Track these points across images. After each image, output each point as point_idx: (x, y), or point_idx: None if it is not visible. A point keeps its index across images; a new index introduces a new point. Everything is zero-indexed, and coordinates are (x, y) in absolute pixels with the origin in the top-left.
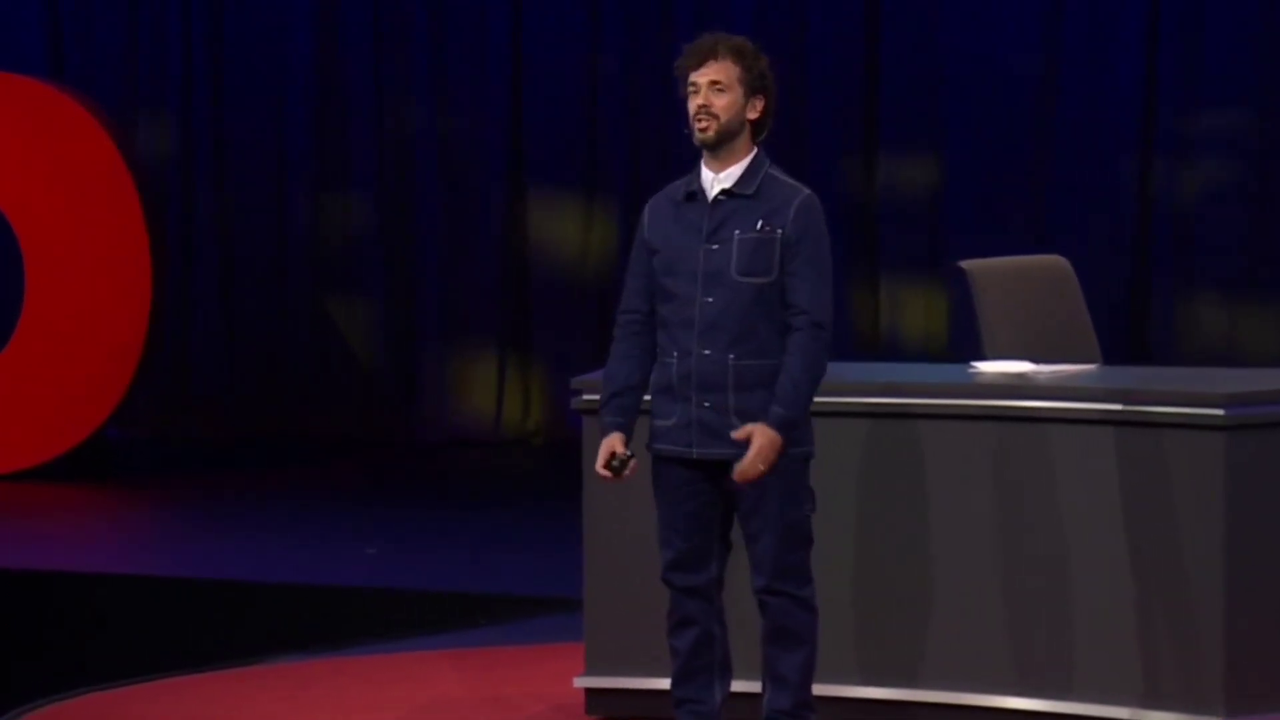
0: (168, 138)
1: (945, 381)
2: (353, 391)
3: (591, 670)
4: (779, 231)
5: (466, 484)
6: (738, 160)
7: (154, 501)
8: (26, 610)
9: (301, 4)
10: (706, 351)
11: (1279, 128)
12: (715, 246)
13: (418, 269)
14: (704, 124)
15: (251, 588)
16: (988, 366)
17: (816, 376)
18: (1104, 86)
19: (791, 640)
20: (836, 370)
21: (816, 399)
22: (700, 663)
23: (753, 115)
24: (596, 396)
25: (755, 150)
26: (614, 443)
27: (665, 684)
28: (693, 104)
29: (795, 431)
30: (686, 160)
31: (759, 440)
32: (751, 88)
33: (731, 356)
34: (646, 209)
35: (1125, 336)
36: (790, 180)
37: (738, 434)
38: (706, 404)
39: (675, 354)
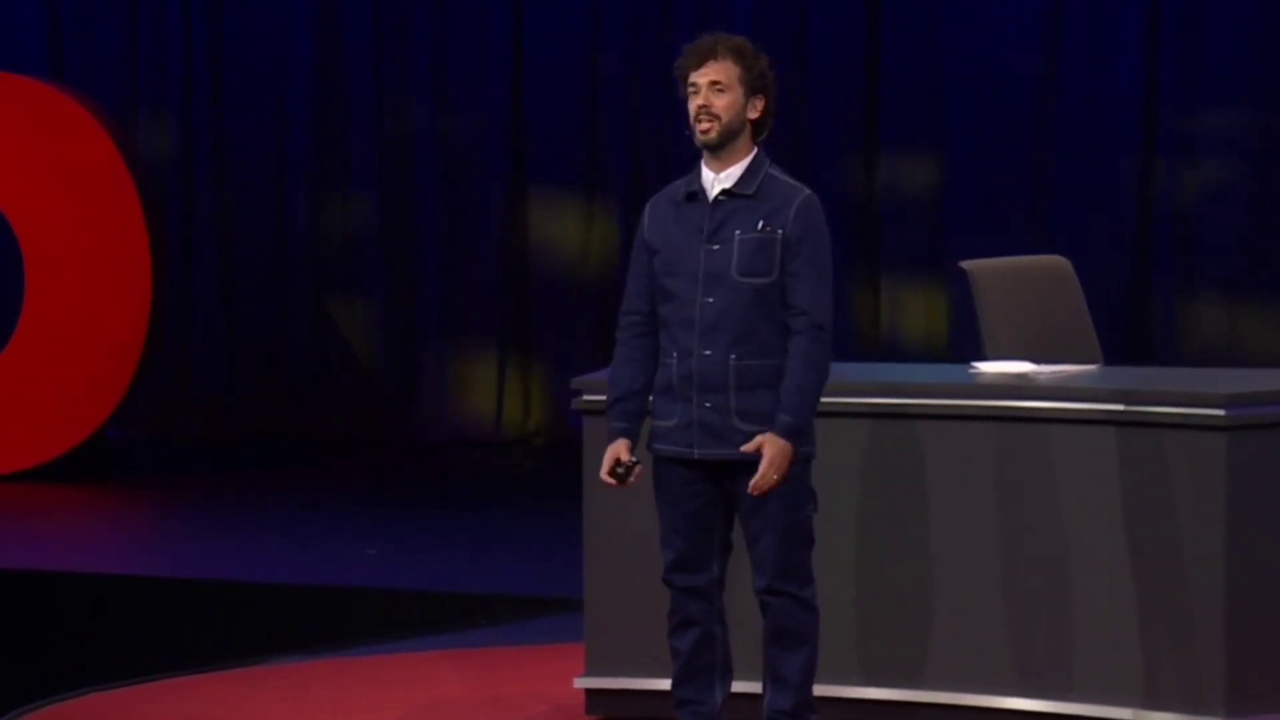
0: (168, 138)
1: (946, 382)
2: (353, 391)
3: (592, 671)
4: (779, 232)
5: (467, 484)
6: (738, 160)
7: (154, 502)
8: (27, 610)
9: (301, 4)
10: (707, 352)
11: (1279, 127)
12: (716, 247)
13: (418, 269)
14: (705, 124)
15: (252, 588)
16: (988, 367)
17: (821, 380)
18: (1104, 86)
19: (793, 641)
20: (837, 371)
21: None
22: (701, 663)
23: (753, 115)
24: (597, 397)
25: (755, 150)
26: (619, 450)
27: (666, 684)
28: (693, 104)
29: (801, 437)
30: (687, 160)
31: (770, 450)
32: (752, 87)
33: (732, 357)
34: (646, 209)
35: (1126, 337)
36: (790, 180)
37: (747, 447)
38: (708, 404)
39: (676, 354)
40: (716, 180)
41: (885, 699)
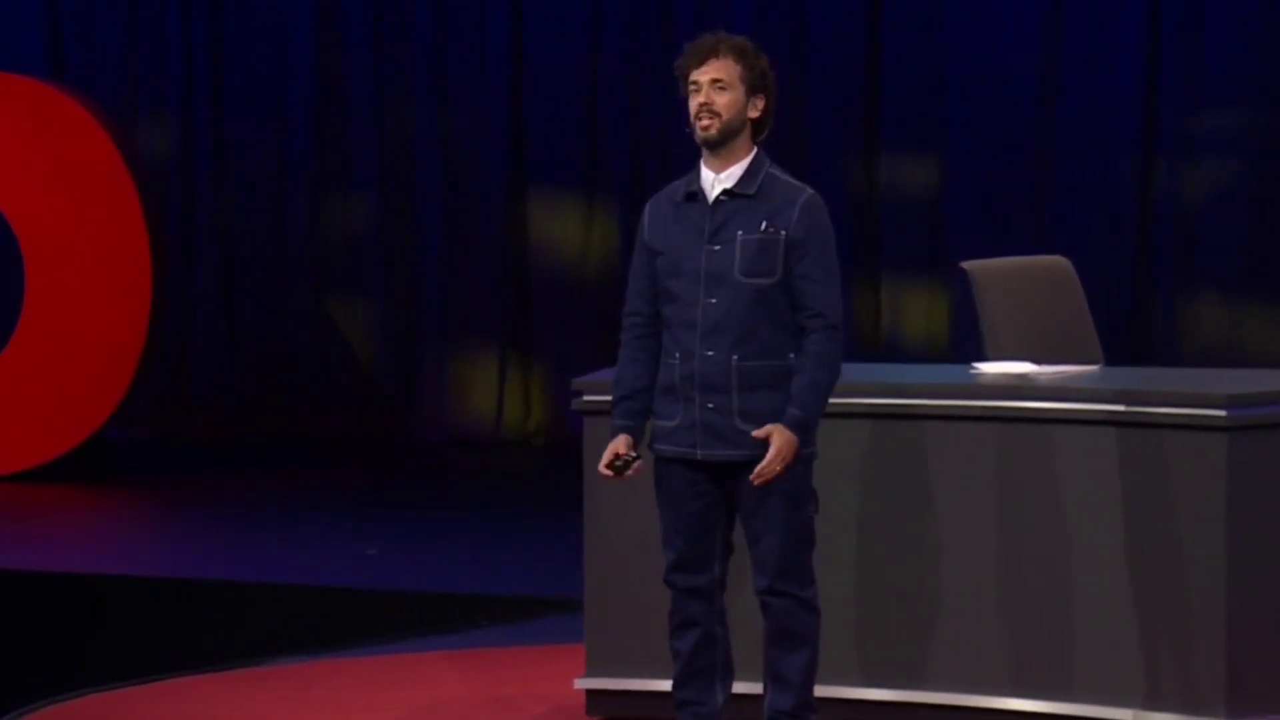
0: (168, 138)
1: (947, 382)
2: (353, 392)
3: (592, 671)
4: (783, 233)
5: (467, 484)
6: (738, 160)
7: (154, 502)
8: (27, 611)
9: (301, 4)
10: (710, 352)
11: (1279, 127)
12: (717, 247)
13: (418, 269)
14: (706, 122)
15: (252, 588)
16: (989, 367)
17: (833, 379)
18: (1105, 87)
19: (794, 641)
20: None
21: None
22: (702, 664)
23: (754, 114)
24: (597, 397)
25: (755, 150)
26: (619, 445)
27: (666, 685)
28: (694, 102)
29: (810, 434)
30: (687, 160)
31: (778, 441)
32: (753, 86)
33: (735, 357)
34: (646, 210)
35: (1127, 337)
36: (791, 179)
37: (758, 433)
38: (710, 405)
39: (678, 355)
40: (717, 180)
41: (886, 699)
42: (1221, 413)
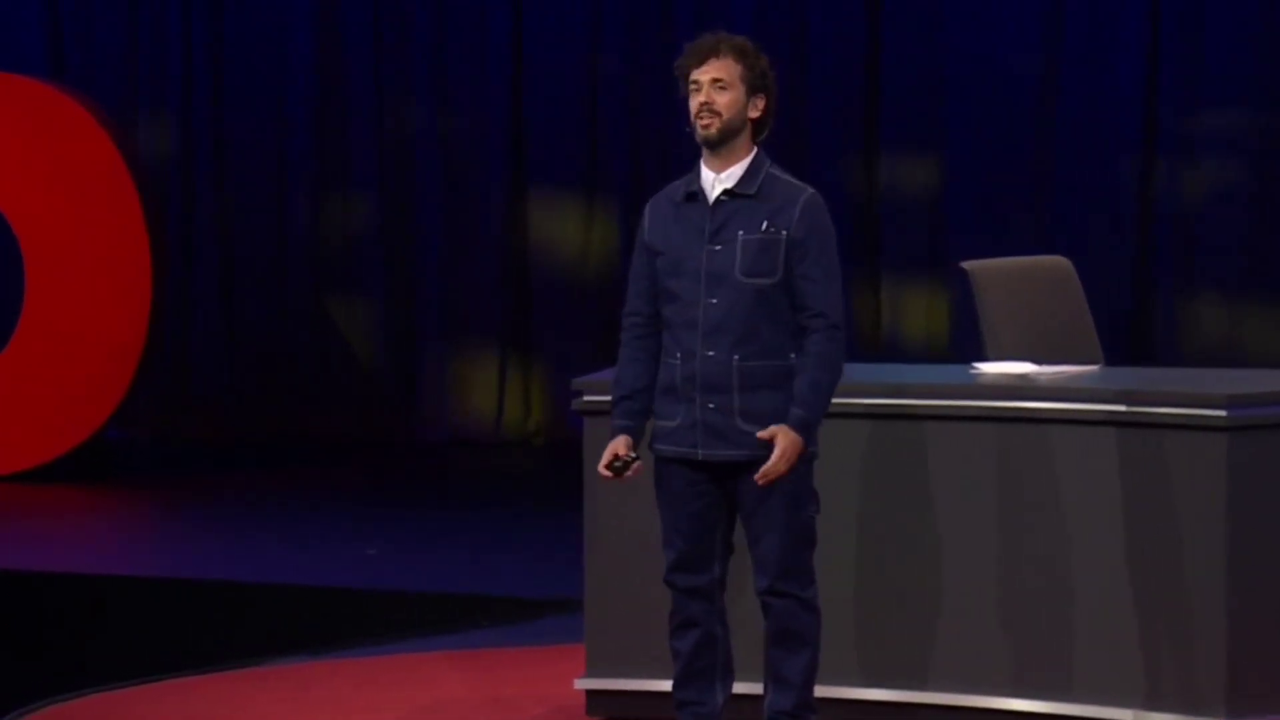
0: (168, 138)
1: (947, 382)
2: (353, 392)
3: (592, 672)
4: (784, 232)
5: (467, 485)
6: (738, 160)
7: (154, 502)
8: (27, 611)
9: (301, 4)
10: (711, 353)
11: (1279, 127)
12: (718, 247)
13: (418, 269)
14: (706, 121)
15: (252, 588)
16: (989, 367)
17: (836, 378)
18: (1104, 86)
19: (795, 642)
20: None
21: None
22: (702, 664)
23: (754, 114)
24: (598, 397)
25: (756, 150)
26: (619, 445)
27: (666, 685)
28: (695, 102)
29: (813, 434)
30: (687, 160)
31: (782, 442)
32: (753, 86)
33: (736, 357)
34: (646, 210)
35: (1127, 337)
36: (792, 179)
37: (763, 434)
38: (711, 405)
39: (679, 355)
40: (717, 180)
41: (886, 700)
42: (1222, 413)
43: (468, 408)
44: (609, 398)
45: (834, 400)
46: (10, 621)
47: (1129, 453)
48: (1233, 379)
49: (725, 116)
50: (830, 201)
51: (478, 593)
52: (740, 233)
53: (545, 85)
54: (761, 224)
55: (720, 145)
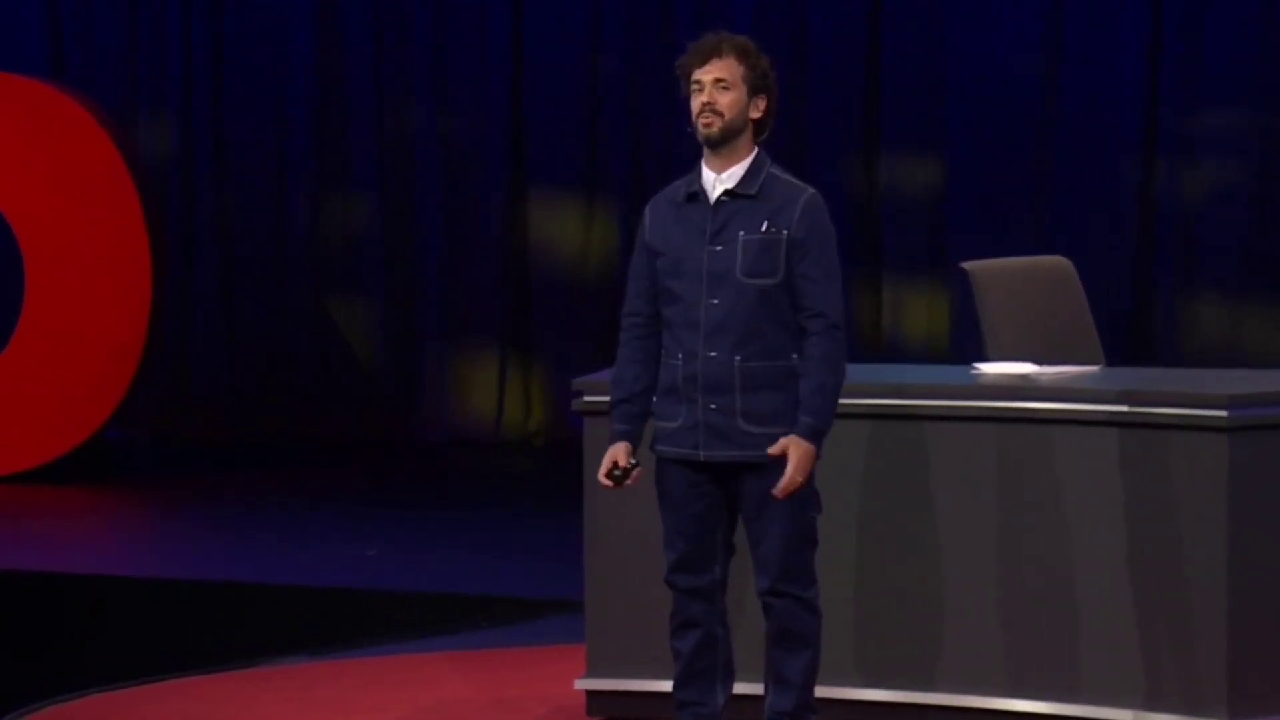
0: (168, 138)
1: (948, 383)
2: (353, 392)
3: (593, 672)
4: (784, 232)
5: (467, 485)
6: (739, 160)
7: (155, 502)
8: (27, 611)
9: (301, 4)
10: (712, 353)
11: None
12: (719, 248)
13: (418, 269)
14: (708, 120)
15: (252, 589)
16: (990, 368)
17: (840, 380)
18: (1105, 87)
19: (796, 642)
20: None
21: None
22: (702, 665)
23: (755, 115)
24: (598, 398)
25: (756, 150)
26: (618, 453)
27: (667, 686)
28: (697, 101)
29: (824, 438)
30: (687, 160)
31: (795, 453)
32: (754, 87)
33: (738, 358)
34: (647, 211)
35: (1127, 337)
36: (793, 179)
37: (773, 450)
38: (713, 406)
39: (681, 356)
40: (718, 180)
41: (886, 700)
42: (1222, 413)
43: (468, 408)
44: (609, 398)
45: None
46: (10, 621)
47: (1129, 453)
48: (1233, 379)
49: (727, 116)
50: (830, 202)
51: (478, 593)
52: (741, 233)
53: (545, 85)
54: (762, 224)
55: (722, 145)
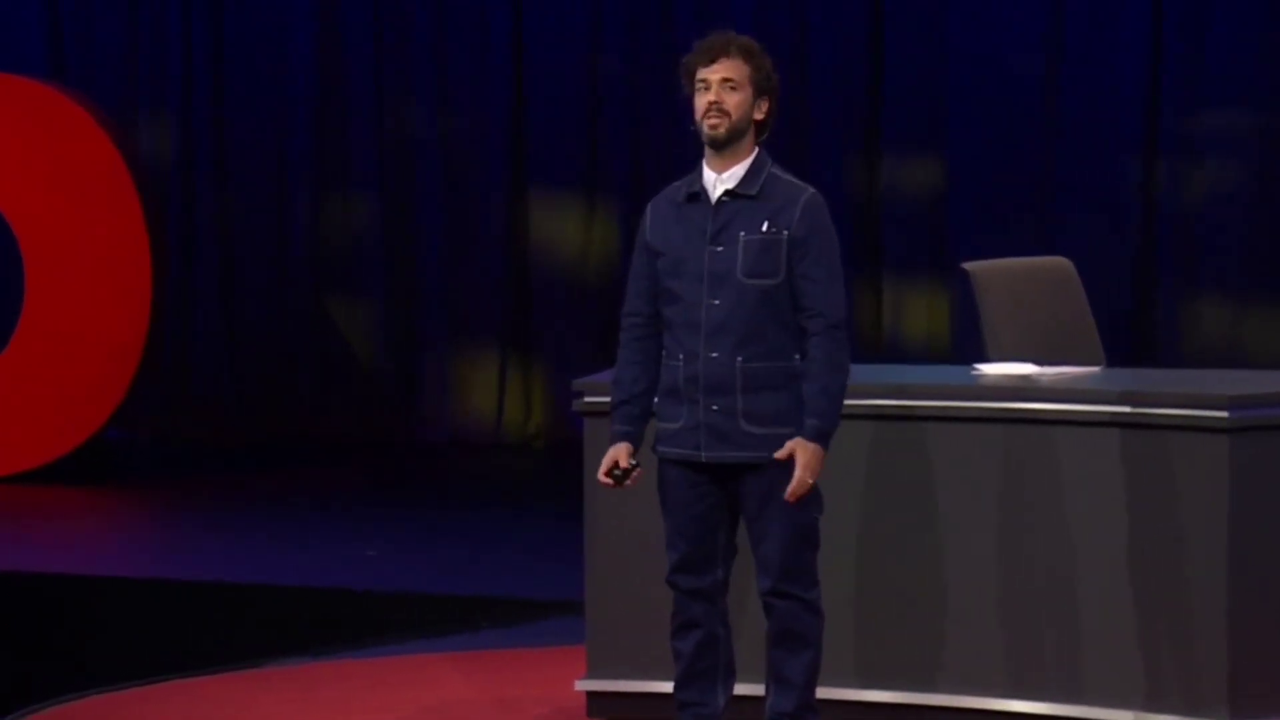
0: (168, 138)
1: (948, 383)
2: (354, 392)
3: (593, 673)
4: (785, 232)
5: (468, 486)
6: (741, 160)
7: (155, 503)
8: (27, 612)
9: (301, 4)
10: (714, 354)
11: None
12: (720, 248)
13: (418, 269)
14: (715, 120)
15: (252, 589)
16: (991, 368)
17: (844, 380)
18: (1106, 87)
19: (797, 643)
20: None
21: None
22: (703, 665)
23: (759, 116)
24: (598, 398)
25: (757, 150)
26: (618, 453)
27: (667, 687)
28: (703, 100)
29: (830, 439)
30: (687, 160)
31: (803, 456)
32: (759, 88)
33: (739, 359)
34: (647, 211)
35: (1128, 338)
36: (794, 179)
37: (780, 454)
38: (714, 407)
39: (682, 356)
40: (719, 181)
41: (887, 701)
42: (1223, 414)
43: (468, 408)
44: (609, 399)
45: None
46: (10, 622)
47: (1131, 454)
48: (1234, 380)
49: (734, 117)
50: (831, 202)
51: (478, 594)
52: (742, 233)
53: (545, 85)
54: (763, 224)
55: (726, 146)
